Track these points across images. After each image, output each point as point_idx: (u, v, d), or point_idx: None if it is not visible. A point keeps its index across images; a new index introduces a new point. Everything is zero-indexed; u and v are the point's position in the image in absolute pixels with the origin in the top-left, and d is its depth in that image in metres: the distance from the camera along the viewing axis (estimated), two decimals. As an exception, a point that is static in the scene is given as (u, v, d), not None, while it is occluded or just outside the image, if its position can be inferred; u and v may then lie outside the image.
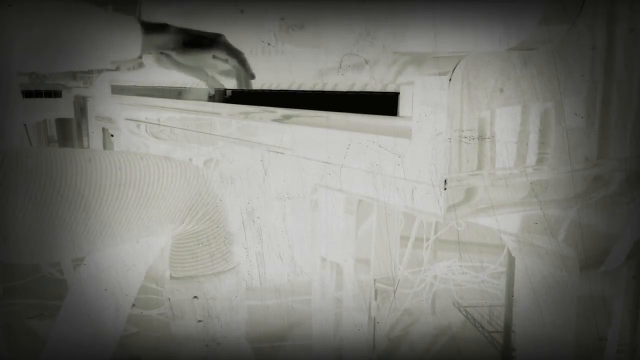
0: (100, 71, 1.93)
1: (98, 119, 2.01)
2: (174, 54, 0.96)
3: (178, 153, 1.71)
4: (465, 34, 0.86)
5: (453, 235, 2.09)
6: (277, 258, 1.98)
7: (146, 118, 1.58)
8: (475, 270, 2.24)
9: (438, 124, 0.70)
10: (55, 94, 2.53)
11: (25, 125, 2.56)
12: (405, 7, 0.97)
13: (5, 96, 0.89)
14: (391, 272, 1.28)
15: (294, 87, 1.00)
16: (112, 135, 2.09)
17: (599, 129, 0.80)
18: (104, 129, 2.29)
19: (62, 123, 2.70)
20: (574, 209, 0.80)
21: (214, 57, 0.98)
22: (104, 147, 2.32)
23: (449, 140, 0.70)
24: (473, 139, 0.71)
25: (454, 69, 0.69)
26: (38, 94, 2.49)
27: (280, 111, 1.01)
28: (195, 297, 0.99)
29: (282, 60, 0.95)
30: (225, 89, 1.12)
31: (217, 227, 0.99)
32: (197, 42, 0.97)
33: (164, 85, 1.44)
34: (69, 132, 2.69)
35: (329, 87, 0.92)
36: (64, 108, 2.57)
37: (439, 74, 0.70)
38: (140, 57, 0.97)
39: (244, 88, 0.99)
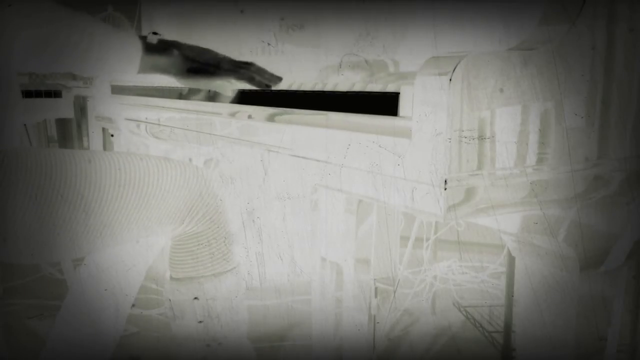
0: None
1: (98, 119, 2.01)
2: (174, 79, 0.94)
3: (178, 153, 1.71)
4: (465, 34, 0.86)
5: (453, 235, 2.09)
6: (277, 258, 1.98)
7: (146, 118, 1.58)
8: (475, 270, 2.24)
9: (438, 124, 0.70)
10: (55, 94, 2.53)
11: (25, 125, 2.56)
12: (405, 7, 0.97)
13: (5, 96, 0.89)
14: (391, 272, 1.28)
15: (294, 87, 1.00)
16: (112, 135, 2.09)
17: (599, 129, 0.80)
18: (104, 129, 2.29)
19: (62, 123, 2.70)
20: (574, 209, 0.80)
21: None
22: (104, 147, 2.32)
23: (449, 140, 0.70)
24: (473, 139, 0.71)
25: (454, 69, 0.69)
26: (38, 94, 2.49)
27: (287, 112, 1.01)
28: (195, 298, 0.99)
29: (282, 60, 0.94)
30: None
31: (217, 227, 0.99)
32: (201, 70, 0.95)
33: (164, 85, 1.44)
34: (69, 132, 2.69)
35: (329, 87, 0.92)
36: (64, 108, 2.57)
37: (439, 74, 0.70)
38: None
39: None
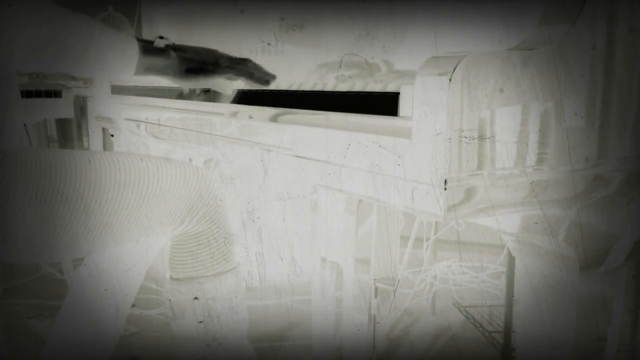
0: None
1: (98, 119, 2.01)
2: (172, 80, 0.94)
3: (178, 153, 1.71)
4: (465, 34, 0.86)
5: (453, 235, 2.09)
6: (277, 258, 1.98)
7: (146, 118, 1.58)
8: (475, 270, 2.24)
9: (438, 124, 0.70)
10: (55, 94, 2.53)
11: (25, 125, 2.56)
12: (405, 7, 0.97)
13: (5, 96, 0.89)
14: (391, 272, 1.28)
15: (294, 87, 1.00)
16: (112, 135, 2.09)
17: (599, 129, 0.80)
18: (104, 129, 2.29)
19: (62, 123, 2.70)
20: (574, 209, 0.80)
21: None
22: (104, 147, 2.32)
23: (449, 140, 0.70)
24: (473, 139, 0.71)
25: (454, 69, 0.69)
26: (38, 94, 2.49)
27: (287, 112, 1.01)
28: (195, 298, 0.99)
29: (282, 60, 0.94)
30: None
31: (217, 227, 0.99)
32: (199, 70, 0.94)
33: (164, 85, 1.44)
34: (69, 132, 2.69)
35: (329, 87, 0.92)
36: (64, 108, 2.57)
37: (439, 74, 0.70)
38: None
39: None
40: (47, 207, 0.86)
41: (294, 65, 1.03)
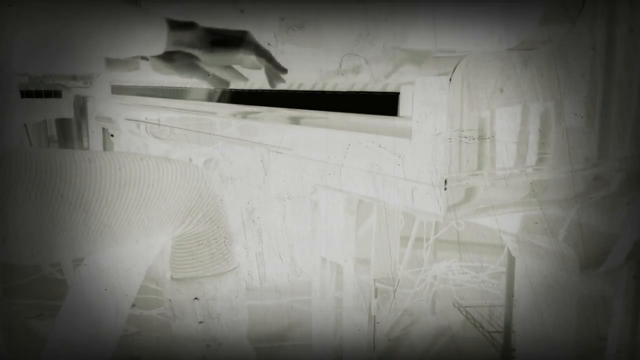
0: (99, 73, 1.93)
1: (98, 119, 2.01)
2: (199, 54, 0.94)
3: (178, 153, 1.71)
4: (465, 34, 0.86)
5: (453, 235, 2.09)
6: (277, 258, 1.98)
7: (146, 118, 1.58)
8: (475, 270, 2.24)
9: (438, 124, 0.70)
10: (55, 94, 2.53)
11: (25, 125, 2.56)
12: (406, 7, 0.97)
13: (4, 96, 0.89)
14: (391, 272, 1.28)
15: (294, 87, 1.00)
16: (112, 135, 2.09)
17: (599, 129, 0.80)
18: (104, 129, 2.29)
19: (62, 123, 2.70)
20: (574, 209, 0.80)
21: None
22: (104, 147, 2.32)
23: (449, 140, 0.70)
24: (473, 139, 0.71)
25: (454, 69, 0.69)
26: (38, 94, 2.49)
27: (287, 112, 1.01)
28: (195, 298, 0.99)
29: (282, 60, 0.94)
30: (224, 89, 1.12)
31: (217, 227, 0.99)
32: (224, 42, 0.94)
33: (164, 85, 1.44)
34: (69, 132, 2.69)
35: (329, 87, 0.92)
36: (64, 108, 2.57)
37: (439, 74, 0.70)
38: (163, 53, 0.94)
39: (274, 86, 0.96)
40: (47, 207, 0.86)
41: (294, 65, 1.03)
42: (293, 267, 2.00)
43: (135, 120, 1.68)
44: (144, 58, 0.99)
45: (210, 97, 1.23)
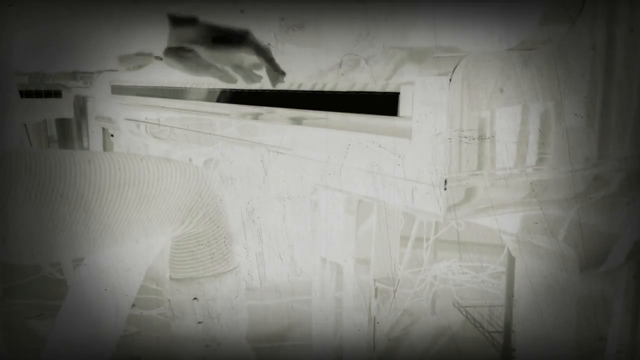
0: (100, 72, 1.93)
1: (98, 119, 2.01)
2: (200, 50, 0.93)
3: (178, 153, 1.71)
4: (465, 34, 0.86)
5: (453, 235, 2.09)
6: (277, 258, 1.98)
7: (146, 118, 1.58)
8: (475, 270, 2.24)
9: (438, 124, 0.70)
10: (55, 94, 2.53)
11: (25, 125, 2.56)
12: (406, 7, 0.97)
13: (4, 96, 0.89)
14: (391, 272, 1.28)
15: (294, 87, 1.00)
16: (112, 135, 2.09)
17: (599, 129, 0.80)
18: (104, 129, 2.29)
19: (62, 123, 2.70)
20: (574, 209, 0.80)
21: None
22: (104, 147, 2.32)
23: (449, 140, 0.70)
24: (473, 139, 0.71)
25: (454, 69, 0.69)
26: (38, 94, 2.49)
27: (287, 112, 1.01)
28: (195, 298, 0.99)
29: (282, 60, 0.94)
30: (225, 89, 1.12)
31: (217, 227, 0.99)
32: (226, 39, 0.94)
33: (164, 85, 1.44)
34: (69, 132, 2.69)
35: (329, 87, 0.92)
36: (64, 108, 2.57)
37: (439, 74, 0.70)
38: (165, 49, 0.94)
39: (275, 85, 0.96)
40: (47, 207, 0.86)
41: (294, 65, 1.03)
42: (293, 267, 2.00)
43: (135, 120, 1.68)
44: (157, 58, 0.98)
45: (210, 97, 1.22)
